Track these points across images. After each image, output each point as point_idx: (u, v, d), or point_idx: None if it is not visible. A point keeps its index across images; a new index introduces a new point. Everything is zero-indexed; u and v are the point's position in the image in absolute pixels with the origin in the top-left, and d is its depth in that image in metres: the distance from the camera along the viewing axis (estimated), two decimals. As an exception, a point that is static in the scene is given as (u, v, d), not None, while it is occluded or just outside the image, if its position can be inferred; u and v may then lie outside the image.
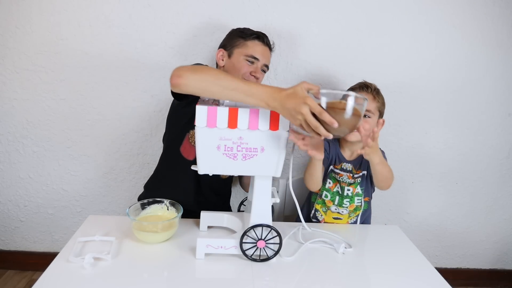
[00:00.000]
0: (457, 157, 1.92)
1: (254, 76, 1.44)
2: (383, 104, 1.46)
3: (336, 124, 0.91)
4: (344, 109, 0.93)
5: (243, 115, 1.02)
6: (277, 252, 1.17)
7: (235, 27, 1.52)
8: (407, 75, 1.78)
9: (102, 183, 1.87)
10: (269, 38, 1.51)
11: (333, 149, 1.51)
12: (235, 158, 1.07)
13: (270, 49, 1.50)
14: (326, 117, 0.90)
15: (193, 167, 1.17)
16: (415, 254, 1.28)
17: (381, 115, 1.46)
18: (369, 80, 1.73)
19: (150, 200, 1.35)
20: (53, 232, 1.95)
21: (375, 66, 1.75)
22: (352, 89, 1.47)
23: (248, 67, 1.42)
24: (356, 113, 0.95)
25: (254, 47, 1.43)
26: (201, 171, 1.10)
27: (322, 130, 0.92)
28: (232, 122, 1.03)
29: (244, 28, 1.49)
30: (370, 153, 1.22)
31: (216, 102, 1.07)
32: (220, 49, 1.49)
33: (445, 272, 1.24)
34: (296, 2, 1.66)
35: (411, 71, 1.77)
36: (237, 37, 1.46)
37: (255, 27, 1.66)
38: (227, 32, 1.67)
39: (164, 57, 1.69)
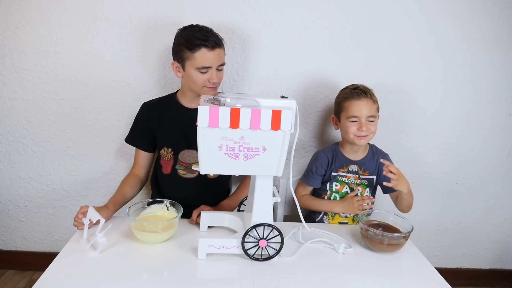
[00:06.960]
0: (457, 157, 1.92)
1: (211, 85, 1.42)
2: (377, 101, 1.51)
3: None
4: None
5: (244, 115, 1.02)
6: (278, 251, 1.17)
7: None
8: (407, 75, 1.78)
9: (102, 183, 1.87)
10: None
11: (338, 161, 1.52)
12: (237, 158, 1.07)
13: (220, 46, 1.41)
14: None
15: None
16: (415, 254, 1.28)
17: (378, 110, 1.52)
18: (369, 80, 1.75)
19: (150, 200, 1.35)
20: (53, 232, 1.95)
21: (375, 66, 1.75)
22: (346, 94, 1.50)
23: (203, 78, 1.40)
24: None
25: (203, 58, 1.37)
26: (203, 171, 1.10)
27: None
28: (234, 122, 1.03)
29: (189, 36, 1.38)
30: (397, 184, 1.36)
31: (217, 102, 1.07)
32: (174, 61, 1.45)
33: (445, 272, 1.25)
34: (296, 2, 1.66)
35: (411, 71, 1.77)
36: (185, 49, 1.38)
37: (255, 27, 1.67)
38: (227, 32, 1.67)
39: (164, 57, 1.69)
